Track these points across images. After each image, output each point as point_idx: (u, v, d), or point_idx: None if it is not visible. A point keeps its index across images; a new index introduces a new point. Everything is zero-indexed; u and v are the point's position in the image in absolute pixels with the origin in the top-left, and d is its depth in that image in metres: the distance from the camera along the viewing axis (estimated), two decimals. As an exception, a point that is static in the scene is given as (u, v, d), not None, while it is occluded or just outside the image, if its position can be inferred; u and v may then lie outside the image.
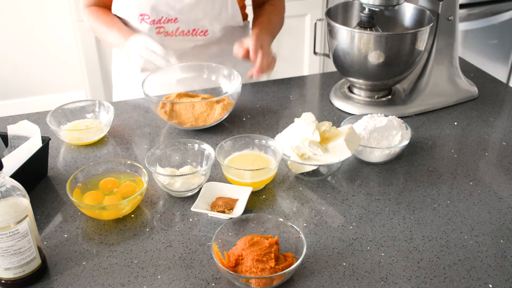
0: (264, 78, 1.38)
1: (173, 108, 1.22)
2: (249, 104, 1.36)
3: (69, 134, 1.18)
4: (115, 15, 1.39)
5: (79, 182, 1.00)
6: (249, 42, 1.28)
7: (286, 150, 1.06)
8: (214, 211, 0.96)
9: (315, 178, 1.08)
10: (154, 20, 1.34)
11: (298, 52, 2.82)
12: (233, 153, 1.09)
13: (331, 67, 1.48)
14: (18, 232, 0.78)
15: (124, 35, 1.31)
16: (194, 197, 1.00)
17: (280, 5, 1.50)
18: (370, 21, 1.26)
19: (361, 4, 1.27)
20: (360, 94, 1.35)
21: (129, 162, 1.04)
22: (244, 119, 1.30)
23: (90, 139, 1.18)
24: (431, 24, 1.24)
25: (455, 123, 1.27)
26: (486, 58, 2.73)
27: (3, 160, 0.89)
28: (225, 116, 1.24)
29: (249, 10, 1.51)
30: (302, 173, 1.08)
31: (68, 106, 1.24)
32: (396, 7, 1.33)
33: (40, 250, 0.84)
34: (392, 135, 1.11)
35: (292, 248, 0.87)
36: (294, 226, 0.88)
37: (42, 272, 0.85)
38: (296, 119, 1.08)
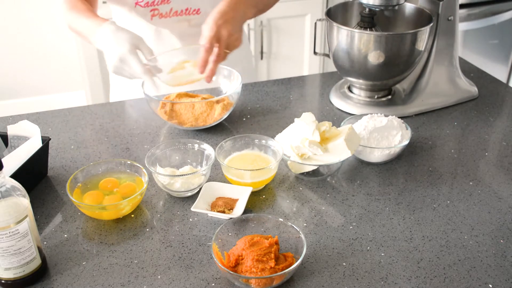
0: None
1: (173, 108, 1.22)
2: (249, 104, 1.36)
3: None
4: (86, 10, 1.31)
5: (79, 182, 1.00)
6: (204, 30, 1.15)
7: (286, 150, 1.06)
8: (214, 211, 0.96)
9: (315, 178, 1.08)
10: (148, 2, 1.34)
11: (298, 52, 2.83)
12: (233, 153, 1.09)
13: (331, 67, 1.48)
14: (18, 232, 0.78)
15: (97, 21, 1.18)
16: (194, 197, 1.00)
17: None
18: (370, 21, 1.27)
19: (361, 4, 1.27)
20: (360, 94, 1.35)
21: (129, 162, 1.04)
22: (244, 119, 1.30)
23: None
24: (431, 24, 1.24)
25: (455, 123, 1.28)
26: (486, 58, 2.73)
27: (3, 160, 0.89)
28: (225, 116, 1.24)
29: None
30: (302, 173, 1.08)
31: None
32: (396, 7, 1.33)
33: (40, 250, 0.84)
34: (392, 135, 1.11)
35: (292, 248, 0.87)
36: (294, 226, 0.88)
37: (42, 272, 0.85)
38: (296, 119, 1.08)
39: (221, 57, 1.17)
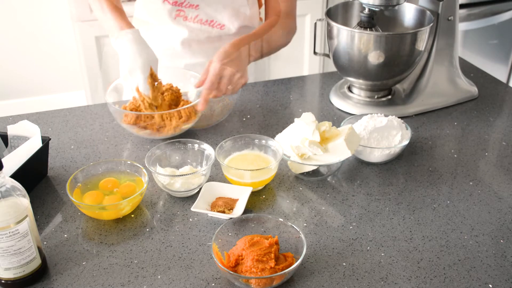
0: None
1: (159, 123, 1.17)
2: (249, 104, 1.36)
3: None
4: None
5: (79, 182, 1.00)
6: (210, 69, 1.19)
7: (286, 150, 1.06)
8: (214, 211, 0.96)
9: (315, 178, 1.08)
10: (176, 2, 1.36)
11: (298, 52, 2.82)
12: (233, 153, 1.09)
13: (331, 67, 1.48)
14: (18, 232, 0.78)
15: (121, 24, 1.19)
16: (194, 197, 1.00)
17: (282, 23, 1.43)
18: (370, 21, 1.27)
19: (361, 4, 1.27)
20: (360, 94, 1.35)
21: (129, 162, 1.04)
22: (244, 119, 1.30)
23: None
24: (431, 24, 1.24)
25: (455, 123, 1.28)
26: (486, 58, 2.73)
27: (3, 160, 0.89)
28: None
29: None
30: (302, 173, 1.08)
31: None
32: (396, 7, 1.33)
33: (40, 250, 0.84)
34: (392, 135, 1.11)
35: (292, 248, 0.87)
36: (294, 226, 0.88)
37: (42, 272, 0.85)
38: (296, 119, 1.08)
39: (220, 93, 1.19)
